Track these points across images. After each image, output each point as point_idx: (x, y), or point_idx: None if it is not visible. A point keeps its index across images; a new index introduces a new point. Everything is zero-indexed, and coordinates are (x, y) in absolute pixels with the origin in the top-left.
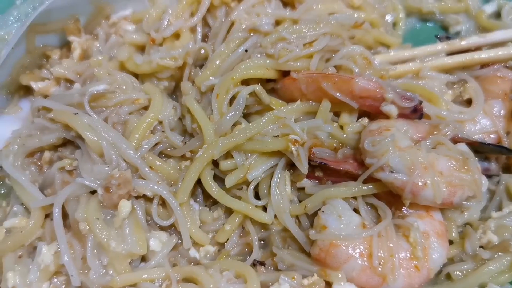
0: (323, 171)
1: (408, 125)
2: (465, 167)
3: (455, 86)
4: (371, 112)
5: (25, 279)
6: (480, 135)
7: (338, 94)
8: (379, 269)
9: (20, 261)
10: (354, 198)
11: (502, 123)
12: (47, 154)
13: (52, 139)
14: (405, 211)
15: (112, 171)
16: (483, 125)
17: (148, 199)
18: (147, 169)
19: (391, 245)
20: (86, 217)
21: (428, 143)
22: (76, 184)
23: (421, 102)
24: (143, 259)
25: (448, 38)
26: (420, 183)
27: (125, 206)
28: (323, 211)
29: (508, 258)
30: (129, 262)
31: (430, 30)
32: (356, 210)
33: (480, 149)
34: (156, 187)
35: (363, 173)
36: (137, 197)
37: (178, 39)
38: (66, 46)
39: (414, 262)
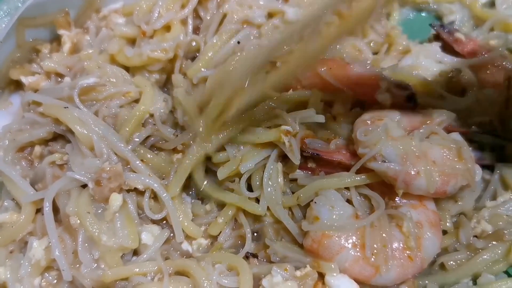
0: (316, 162)
1: (401, 115)
2: (459, 156)
3: (449, 75)
4: (366, 100)
5: (16, 274)
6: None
7: (334, 80)
8: (372, 259)
9: (11, 256)
10: (347, 188)
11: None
12: (37, 149)
13: (42, 133)
14: (398, 201)
15: (102, 165)
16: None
17: (139, 192)
18: (138, 162)
19: (384, 235)
20: (77, 211)
21: (421, 132)
22: (66, 178)
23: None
24: (135, 252)
25: (442, 26)
26: (412, 172)
27: (116, 199)
28: (315, 202)
29: (502, 247)
30: (120, 256)
31: (424, 20)
32: (349, 201)
33: (474, 138)
34: (147, 180)
35: (356, 164)
36: (128, 191)
37: (169, 31)
38: (56, 40)
39: (407, 252)
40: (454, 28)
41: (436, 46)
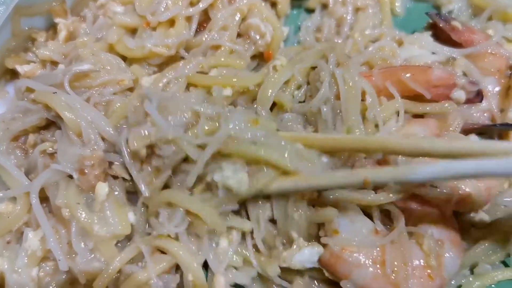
0: None
1: (422, 127)
2: None
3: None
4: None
5: (14, 265)
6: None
7: (416, 85)
8: (392, 277)
9: (8, 247)
10: None
11: (495, 100)
12: (31, 138)
13: (34, 120)
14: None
15: (84, 152)
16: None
17: None
18: (124, 147)
19: (404, 252)
20: (66, 203)
21: None
22: (51, 170)
23: None
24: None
25: (438, 15)
26: (464, 192)
27: (101, 188)
28: None
29: (500, 237)
30: (115, 243)
31: (422, 9)
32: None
33: (485, 131)
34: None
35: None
36: (115, 177)
37: (173, 25)
38: (52, 28)
39: (428, 271)
40: (451, 16)
41: (427, 35)
